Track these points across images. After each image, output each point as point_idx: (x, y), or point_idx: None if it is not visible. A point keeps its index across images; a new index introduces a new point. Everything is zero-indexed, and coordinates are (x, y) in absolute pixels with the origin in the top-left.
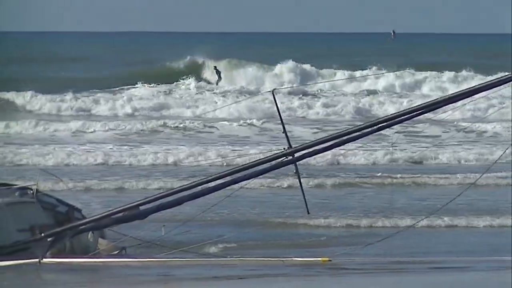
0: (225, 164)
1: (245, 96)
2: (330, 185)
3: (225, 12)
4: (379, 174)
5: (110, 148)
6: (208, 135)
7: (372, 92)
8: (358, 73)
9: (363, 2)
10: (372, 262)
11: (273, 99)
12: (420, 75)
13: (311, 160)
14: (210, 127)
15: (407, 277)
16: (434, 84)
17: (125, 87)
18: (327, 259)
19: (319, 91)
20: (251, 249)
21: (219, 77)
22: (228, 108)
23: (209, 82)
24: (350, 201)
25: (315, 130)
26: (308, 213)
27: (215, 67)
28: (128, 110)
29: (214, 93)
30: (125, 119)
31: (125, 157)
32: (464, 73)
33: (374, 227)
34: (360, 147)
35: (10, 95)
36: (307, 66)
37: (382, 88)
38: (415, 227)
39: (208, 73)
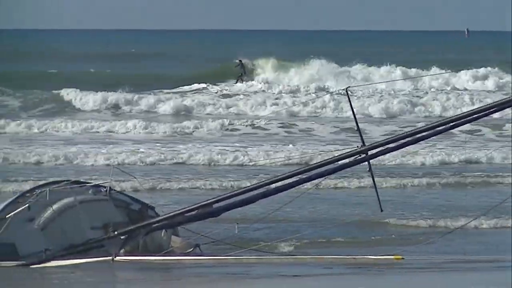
0: (295, 162)
1: (317, 94)
2: (401, 184)
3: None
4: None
5: (181, 147)
6: (279, 133)
7: (446, 90)
8: (428, 71)
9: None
10: (445, 261)
11: (347, 97)
12: (498, 73)
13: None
14: (282, 126)
15: (477, 275)
16: None
17: (198, 84)
18: (400, 257)
19: (393, 89)
20: (324, 247)
21: (244, 72)
22: (299, 106)
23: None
24: (422, 200)
25: (387, 129)
26: (382, 210)
27: (240, 60)
28: (199, 108)
29: (284, 92)
30: (195, 118)
31: (195, 156)
32: None
33: (447, 227)
34: (430, 145)
35: (83, 94)
36: (384, 67)
37: (458, 86)
38: (481, 226)
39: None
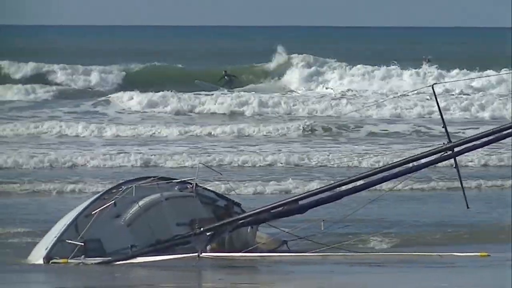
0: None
1: (396, 94)
2: (482, 185)
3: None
4: None
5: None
6: (357, 134)
7: None
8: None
9: None
10: None
11: (433, 94)
12: None
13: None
14: (356, 126)
15: None
16: None
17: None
18: (486, 254)
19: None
20: (410, 245)
21: (231, 78)
22: (380, 106)
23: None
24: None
25: (472, 127)
26: (468, 207)
27: (224, 71)
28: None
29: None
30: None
31: (280, 157)
32: None
33: None
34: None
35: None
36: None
37: None
38: None
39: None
